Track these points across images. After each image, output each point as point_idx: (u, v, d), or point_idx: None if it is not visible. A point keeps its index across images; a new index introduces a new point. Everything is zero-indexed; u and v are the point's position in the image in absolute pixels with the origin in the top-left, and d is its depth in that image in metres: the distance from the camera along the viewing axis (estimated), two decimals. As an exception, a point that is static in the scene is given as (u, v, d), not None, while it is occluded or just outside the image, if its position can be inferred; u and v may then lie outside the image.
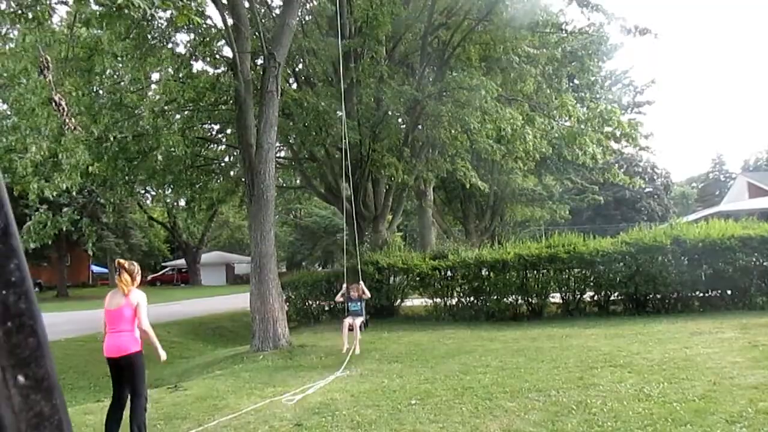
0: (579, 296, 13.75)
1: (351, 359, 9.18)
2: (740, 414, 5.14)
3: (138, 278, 5.73)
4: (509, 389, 6.69)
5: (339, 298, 10.64)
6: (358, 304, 9.97)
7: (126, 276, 5.61)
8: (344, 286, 10.21)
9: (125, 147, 13.45)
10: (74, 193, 11.33)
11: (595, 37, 16.98)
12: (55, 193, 11.03)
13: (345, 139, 10.74)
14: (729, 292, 12.61)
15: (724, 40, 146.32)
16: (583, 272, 13.60)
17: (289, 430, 5.80)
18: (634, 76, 73.10)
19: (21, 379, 0.59)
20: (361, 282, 10.19)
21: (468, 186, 19.08)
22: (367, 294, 10.33)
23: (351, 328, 9.66)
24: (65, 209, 12.73)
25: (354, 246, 16.47)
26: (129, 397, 5.57)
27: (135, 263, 5.85)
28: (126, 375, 5.58)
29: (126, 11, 6.91)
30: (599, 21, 15.88)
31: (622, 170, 31.26)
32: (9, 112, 12.91)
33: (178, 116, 14.48)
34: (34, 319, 0.61)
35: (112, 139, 12.20)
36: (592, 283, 13.60)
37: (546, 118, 15.55)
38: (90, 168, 11.87)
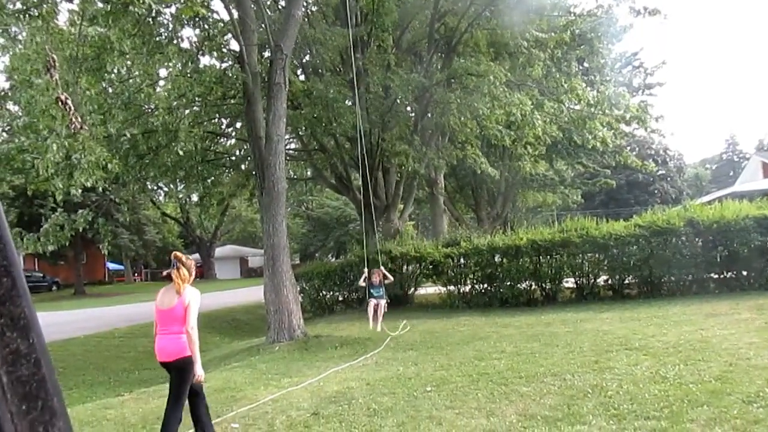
0: (593, 280, 13.70)
1: (375, 343, 9.73)
2: (757, 394, 5.12)
3: (193, 273, 5.19)
4: (524, 374, 6.70)
5: (362, 282, 11.01)
6: (380, 289, 10.66)
7: (184, 271, 5.03)
8: (365, 271, 10.69)
9: (135, 144, 13.52)
10: (93, 186, 11.29)
11: (604, 19, 16.78)
12: (79, 191, 11.08)
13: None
14: (744, 272, 12.50)
15: (736, 18, 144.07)
16: (597, 256, 13.55)
17: (306, 420, 5.84)
18: (645, 58, 72.29)
19: None
20: (382, 267, 10.90)
21: (480, 172, 19.00)
22: (390, 278, 11.15)
23: (376, 310, 10.44)
24: (81, 211, 12.76)
25: (366, 236, 16.54)
26: (193, 400, 5.11)
27: (190, 257, 5.31)
28: (173, 379, 5.06)
29: (131, 7, 6.93)
30: (608, 3, 15.72)
31: (634, 153, 31.00)
32: (20, 113, 12.98)
33: (187, 111, 14.54)
34: (8, 260, 0.61)
35: (128, 135, 12.25)
36: (605, 267, 13.54)
37: (556, 102, 15.44)
38: (109, 165, 11.92)
